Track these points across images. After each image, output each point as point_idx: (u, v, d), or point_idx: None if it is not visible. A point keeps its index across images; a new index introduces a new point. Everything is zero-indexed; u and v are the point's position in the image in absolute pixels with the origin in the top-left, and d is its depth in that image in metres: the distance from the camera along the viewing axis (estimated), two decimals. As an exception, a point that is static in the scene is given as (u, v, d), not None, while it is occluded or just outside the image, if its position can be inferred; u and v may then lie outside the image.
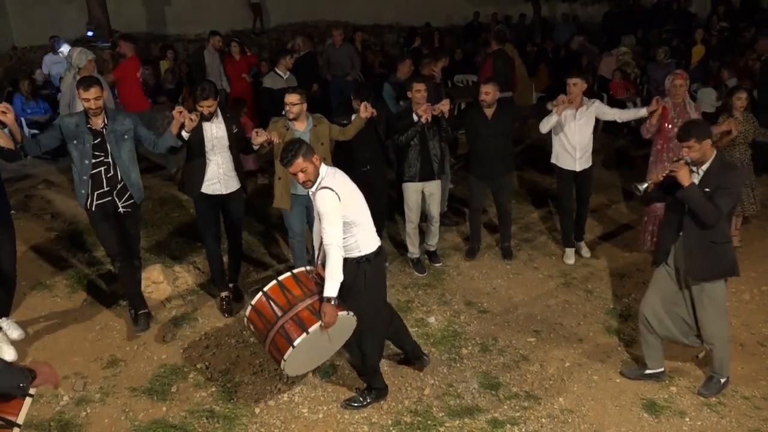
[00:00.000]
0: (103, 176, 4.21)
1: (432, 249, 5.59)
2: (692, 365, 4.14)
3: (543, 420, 3.66)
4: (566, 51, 11.38)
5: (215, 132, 4.42)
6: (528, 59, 10.20)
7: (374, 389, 3.78)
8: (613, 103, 9.32)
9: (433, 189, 5.29)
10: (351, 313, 3.40)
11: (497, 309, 4.84)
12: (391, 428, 3.59)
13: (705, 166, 3.49)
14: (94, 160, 4.16)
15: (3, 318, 4.32)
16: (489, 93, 5.15)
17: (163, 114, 8.79)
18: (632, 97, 9.50)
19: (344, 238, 3.36)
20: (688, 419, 3.66)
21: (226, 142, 4.45)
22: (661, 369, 3.95)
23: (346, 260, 3.36)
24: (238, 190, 4.63)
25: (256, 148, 4.52)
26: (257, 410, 3.72)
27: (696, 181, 3.47)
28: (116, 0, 11.60)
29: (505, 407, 3.76)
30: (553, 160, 5.46)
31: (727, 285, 3.74)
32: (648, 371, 3.95)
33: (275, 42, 13.82)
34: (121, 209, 4.34)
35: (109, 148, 4.18)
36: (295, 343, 3.23)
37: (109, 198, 4.27)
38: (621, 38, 11.47)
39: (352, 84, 8.94)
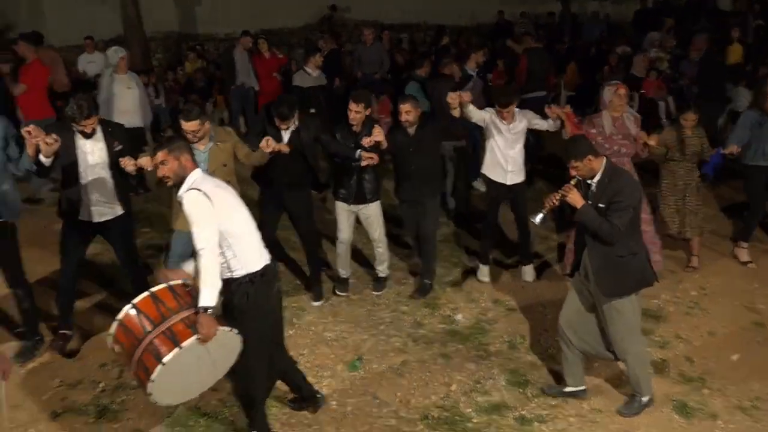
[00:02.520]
0: None
1: (381, 275, 5.15)
2: (727, 369, 4.08)
3: (571, 419, 3.64)
4: (596, 49, 11.26)
5: (93, 151, 4.02)
6: (557, 58, 10.13)
7: (255, 430, 3.39)
8: (645, 102, 9.21)
9: (369, 212, 4.90)
10: (235, 331, 3.03)
11: (525, 307, 4.84)
12: (418, 422, 3.61)
13: (596, 179, 3.46)
14: None
15: None
16: (410, 112, 4.70)
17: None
18: (664, 96, 9.36)
19: (221, 253, 3.03)
20: (720, 422, 3.61)
21: (105, 162, 4.02)
22: (582, 387, 3.81)
23: (226, 280, 3.04)
24: (121, 215, 4.21)
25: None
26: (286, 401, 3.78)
27: (594, 194, 3.45)
28: (149, 0, 11.81)
29: (533, 405, 3.76)
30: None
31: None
32: (568, 389, 3.82)
33: (305, 40, 13.93)
34: None
35: None
36: (165, 360, 2.81)
37: None
38: (648, 35, 11.30)
39: (380, 82, 9.01)
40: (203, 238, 2.93)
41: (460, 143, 6.24)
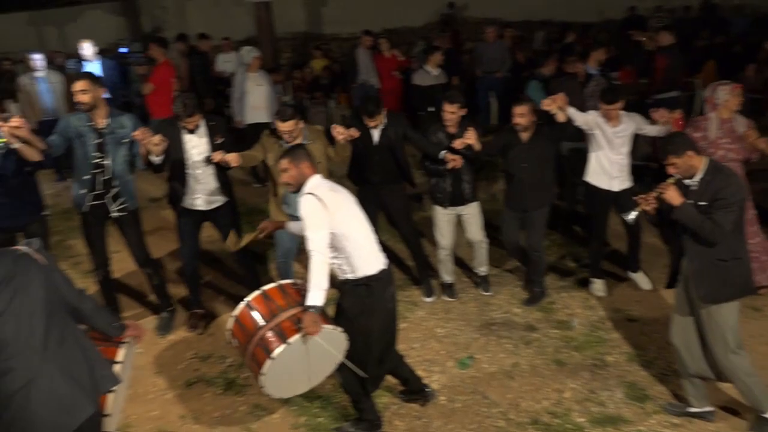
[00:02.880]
0: (99, 178, 4.22)
1: (483, 273, 5.07)
2: None
3: (695, 441, 3.43)
4: (742, 45, 10.35)
5: (197, 145, 4.28)
6: (693, 55, 9.43)
7: (365, 420, 3.52)
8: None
9: (469, 212, 4.79)
10: (339, 329, 3.15)
11: (647, 318, 4.59)
12: (528, 426, 3.57)
13: (698, 177, 3.15)
14: (92, 161, 4.18)
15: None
16: (524, 116, 4.47)
17: (317, 108, 9.35)
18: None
19: (335, 256, 3.17)
20: None
21: (207, 156, 4.27)
22: (709, 408, 3.50)
23: (341, 281, 3.20)
24: (225, 203, 4.47)
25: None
26: (396, 392, 3.87)
27: (695, 192, 3.16)
28: (279, 2, 12.44)
29: (653, 422, 3.57)
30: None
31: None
32: (692, 409, 3.52)
33: (424, 39, 14.04)
34: (113, 214, 4.34)
35: (107, 150, 4.19)
36: (274, 355, 3.00)
37: (102, 201, 4.27)
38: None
39: (500, 81, 8.90)
40: (314, 240, 3.06)
41: (579, 144, 6.01)
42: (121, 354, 2.77)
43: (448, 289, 5.03)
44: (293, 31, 14.30)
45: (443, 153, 4.49)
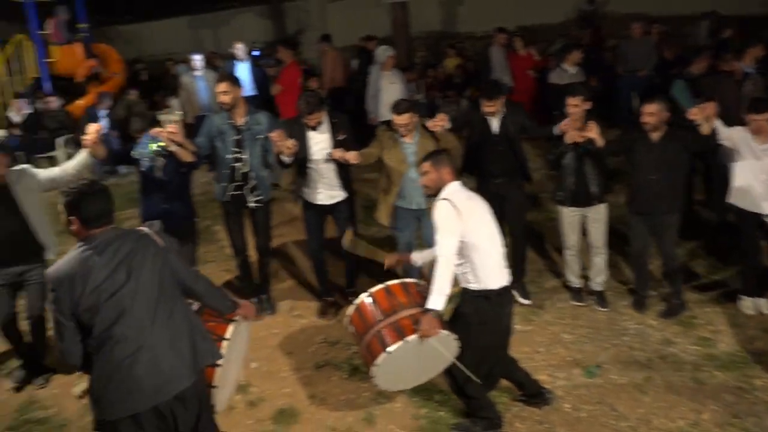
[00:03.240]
0: (238, 171, 4.53)
1: (597, 288, 4.78)
2: None
3: None
4: None
5: (320, 142, 4.43)
6: None
7: (484, 418, 3.49)
8: None
9: (593, 215, 4.56)
10: (453, 337, 3.17)
11: (806, 343, 4.15)
12: (660, 445, 3.38)
13: None
14: (232, 155, 4.49)
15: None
16: (653, 115, 4.19)
17: (449, 107, 9.38)
18: None
19: (461, 264, 3.19)
20: None
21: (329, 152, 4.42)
22: None
23: (464, 290, 3.22)
24: (345, 199, 4.61)
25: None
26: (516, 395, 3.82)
27: None
28: (415, 2, 12.63)
29: (807, 455, 3.24)
30: None
31: None
32: None
33: (563, 36, 13.57)
34: (251, 204, 4.64)
35: (245, 145, 4.48)
36: (390, 350, 3.07)
37: (241, 192, 4.57)
38: None
39: (643, 80, 8.40)
40: (444, 246, 3.11)
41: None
42: (229, 331, 2.96)
43: (575, 293, 4.85)
44: (428, 30, 14.42)
45: (557, 128, 4.35)
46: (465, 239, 3.14)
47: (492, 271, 3.23)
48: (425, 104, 9.68)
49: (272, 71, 8.78)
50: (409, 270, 4.59)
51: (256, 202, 4.64)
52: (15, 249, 3.90)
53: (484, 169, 4.72)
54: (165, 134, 4.09)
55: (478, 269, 3.20)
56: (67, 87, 10.48)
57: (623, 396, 3.75)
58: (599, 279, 4.76)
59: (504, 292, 3.26)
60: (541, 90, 8.55)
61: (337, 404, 3.87)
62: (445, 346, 3.19)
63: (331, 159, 4.44)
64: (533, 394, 3.68)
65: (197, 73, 8.41)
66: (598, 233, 4.62)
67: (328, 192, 4.58)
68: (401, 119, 4.25)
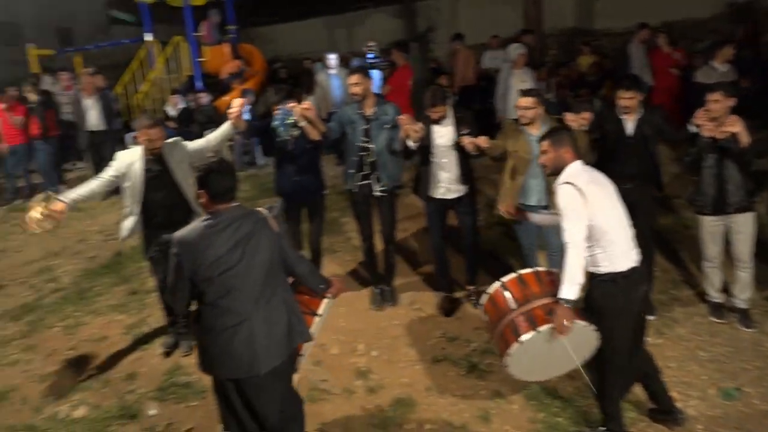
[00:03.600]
0: (365, 160, 4.68)
1: (741, 305, 4.36)
2: None
3: None
4: None
5: (443, 136, 4.48)
6: None
7: (608, 429, 3.33)
8: None
9: (737, 225, 4.15)
10: (592, 327, 3.07)
11: None
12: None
13: None
14: (361, 144, 4.66)
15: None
16: None
17: (581, 107, 9.03)
18: None
19: (589, 247, 3.04)
20: None
21: (452, 146, 4.48)
22: None
23: (590, 274, 3.08)
24: (467, 193, 4.62)
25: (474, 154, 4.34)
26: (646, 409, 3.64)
27: None
28: (549, -1, 12.27)
29: None
30: None
31: None
32: None
33: (712, 32, 12.54)
34: (376, 193, 4.75)
35: (373, 135, 4.64)
36: (522, 339, 3.05)
37: (368, 181, 4.73)
38: None
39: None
40: (571, 232, 3.02)
41: None
42: (322, 307, 3.17)
43: (715, 309, 4.51)
44: (561, 27, 13.94)
45: (691, 125, 4.09)
46: (592, 223, 3.04)
47: (619, 254, 3.10)
48: (555, 104, 9.40)
49: (384, 73, 8.99)
50: (532, 264, 4.50)
51: (381, 191, 4.81)
52: (169, 214, 4.25)
53: (615, 172, 4.51)
54: (299, 109, 4.37)
55: (607, 251, 3.08)
56: (215, 84, 11.38)
57: (766, 423, 3.45)
58: (744, 296, 4.39)
59: (631, 273, 3.10)
60: (685, 90, 7.97)
61: (454, 399, 3.91)
62: (580, 338, 3.11)
63: (455, 150, 4.51)
64: (664, 410, 3.49)
65: (332, 71, 8.79)
66: (744, 245, 4.25)
67: (449, 186, 4.64)
68: (524, 102, 4.24)
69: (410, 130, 4.32)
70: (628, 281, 3.09)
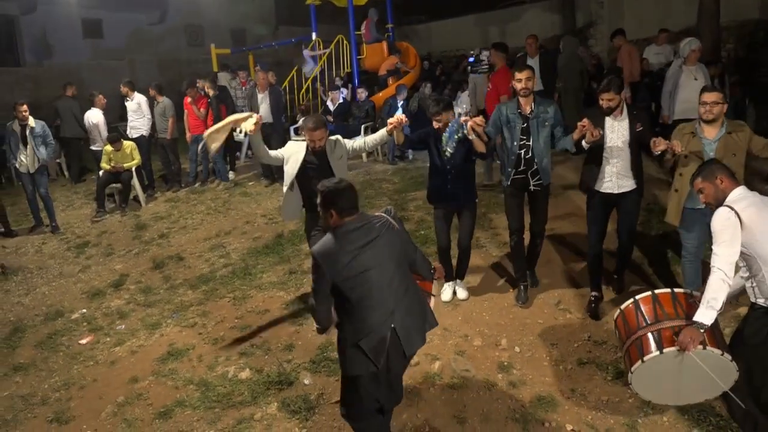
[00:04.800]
0: (523, 157, 4.75)
1: None
2: None
3: None
4: None
5: (617, 130, 4.43)
6: None
7: None
8: None
9: None
10: (728, 357, 2.92)
11: None
12: None
13: None
14: (519, 143, 4.73)
15: (458, 280, 5.23)
16: None
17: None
18: None
19: (747, 278, 2.93)
20: None
21: (625, 143, 4.42)
22: None
23: (750, 306, 2.96)
24: (634, 189, 4.53)
25: (656, 154, 4.05)
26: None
27: None
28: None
29: None
30: None
31: None
32: None
33: None
34: (531, 188, 4.81)
35: (531, 132, 4.70)
36: (645, 359, 3.02)
37: (524, 176, 4.79)
38: None
39: None
40: (720, 256, 2.92)
41: None
42: (434, 288, 3.47)
43: None
44: (741, 19, 12.67)
45: None
46: (749, 251, 2.90)
47: None
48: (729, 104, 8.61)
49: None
50: (693, 271, 4.40)
51: (535, 185, 4.84)
52: None
53: None
54: (472, 123, 4.48)
55: (763, 283, 2.92)
56: (371, 80, 11.90)
57: None
58: None
59: None
60: None
61: (598, 404, 3.82)
62: (713, 366, 2.98)
63: (628, 147, 4.46)
64: None
65: (484, 68, 8.80)
66: None
67: (618, 181, 4.56)
68: (712, 96, 4.06)
69: (587, 132, 4.31)
70: None
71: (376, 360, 2.97)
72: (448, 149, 4.69)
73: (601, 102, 4.44)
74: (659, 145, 4.04)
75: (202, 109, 9.53)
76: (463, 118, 4.62)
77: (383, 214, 3.18)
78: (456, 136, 4.66)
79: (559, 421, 3.69)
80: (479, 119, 4.50)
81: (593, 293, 4.88)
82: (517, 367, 4.24)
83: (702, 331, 2.93)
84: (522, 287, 5.09)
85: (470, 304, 5.11)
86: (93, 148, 9.64)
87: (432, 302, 3.39)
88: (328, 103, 10.94)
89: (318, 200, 3.05)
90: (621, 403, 3.79)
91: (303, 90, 12.74)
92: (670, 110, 6.84)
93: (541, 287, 5.27)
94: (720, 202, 3.09)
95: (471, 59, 9.50)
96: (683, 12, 12.12)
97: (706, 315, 2.93)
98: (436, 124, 4.78)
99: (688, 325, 2.98)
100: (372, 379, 3.07)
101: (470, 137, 4.53)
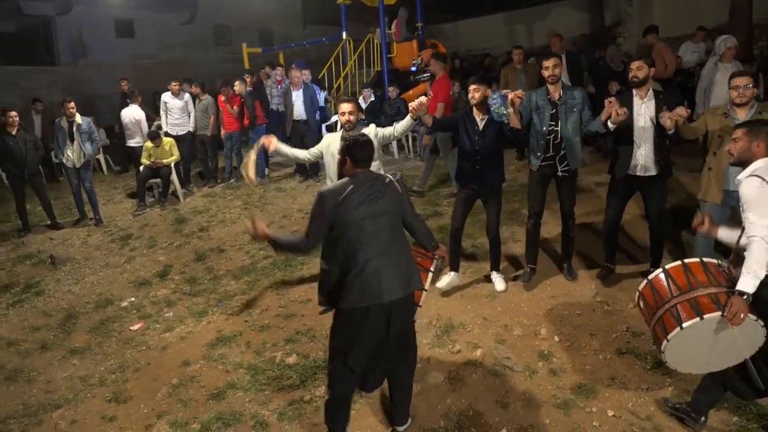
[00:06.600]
0: (551, 143, 4.92)
1: None
2: None
3: None
4: None
5: (644, 114, 4.62)
6: None
7: None
8: None
9: None
10: (761, 323, 2.94)
11: None
12: None
13: None
14: (547, 128, 4.91)
15: (494, 272, 5.37)
16: None
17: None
18: None
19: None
20: None
21: (651, 125, 4.58)
22: None
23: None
24: (660, 174, 4.70)
25: (670, 133, 4.39)
26: None
27: None
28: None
29: None
30: None
31: None
32: None
33: None
34: (559, 173, 5.00)
35: (559, 118, 4.87)
36: (684, 325, 2.99)
37: (552, 162, 4.97)
38: None
39: None
40: (757, 225, 2.91)
41: None
42: (432, 265, 3.71)
43: None
44: (771, 18, 12.58)
45: None
46: None
47: None
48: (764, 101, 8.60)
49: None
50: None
51: (563, 171, 5.03)
52: None
53: None
54: (513, 95, 4.59)
55: None
56: (401, 78, 12.03)
57: None
58: None
59: None
60: None
61: (638, 392, 3.92)
62: (746, 333, 2.98)
63: (654, 129, 4.60)
64: None
65: (518, 66, 8.88)
66: None
67: (643, 163, 4.73)
68: (743, 80, 4.23)
69: (613, 112, 4.47)
70: None
71: (363, 291, 3.18)
72: (503, 111, 4.67)
73: (630, 73, 4.65)
74: (664, 117, 4.30)
75: (235, 107, 9.77)
76: (505, 90, 4.80)
77: (390, 176, 3.47)
78: (498, 111, 4.71)
79: (601, 407, 3.79)
80: (520, 92, 4.63)
81: (607, 263, 5.25)
82: (557, 355, 4.35)
83: (746, 299, 2.92)
84: (528, 269, 5.40)
85: (508, 296, 5.24)
86: (130, 144, 9.88)
87: (427, 279, 3.71)
88: (360, 100, 11.11)
89: (338, 146, 3.38)
90: (661, 391, 3.89)
91: (335, 86, 12.94)
92: (705, 107, 6.87)
93: (579, 280, 5.36)
94: (741, 162, 3.14)
95: (413, 68, 9.71)
96: (714, 9, 12.07)
97: (749, 283, 2.91)
98: (473, 94, 4.87)
99: (729, 293, 2.98)
100: (360, 318, 3.23)
101: (508, 110, 4.59)
